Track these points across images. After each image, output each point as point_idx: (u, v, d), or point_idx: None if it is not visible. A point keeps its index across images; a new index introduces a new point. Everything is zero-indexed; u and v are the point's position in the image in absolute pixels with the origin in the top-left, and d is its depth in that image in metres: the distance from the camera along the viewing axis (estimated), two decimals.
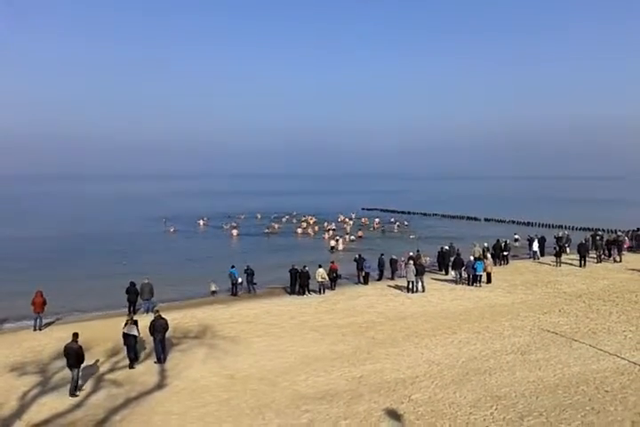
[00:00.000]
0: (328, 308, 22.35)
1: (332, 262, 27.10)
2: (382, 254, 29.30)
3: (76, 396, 13.34)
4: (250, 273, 26.21)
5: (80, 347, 13.79)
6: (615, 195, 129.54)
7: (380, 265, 28.55)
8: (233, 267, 26.30)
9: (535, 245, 34.37)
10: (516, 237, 42.76)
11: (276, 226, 57.26)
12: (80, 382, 13.77)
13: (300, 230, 53.98)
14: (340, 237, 45.84)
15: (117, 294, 23.15)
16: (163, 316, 16.43)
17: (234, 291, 25.99)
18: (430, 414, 11.73)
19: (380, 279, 28.33)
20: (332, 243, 42.42)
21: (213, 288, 26.23)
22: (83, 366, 13.97)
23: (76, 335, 14.09)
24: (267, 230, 53.80)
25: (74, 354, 13.59)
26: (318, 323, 19.95)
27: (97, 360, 15.93)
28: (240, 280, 26.23)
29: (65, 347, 13.88)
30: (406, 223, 59.02)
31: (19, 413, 12.37)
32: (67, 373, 14.75)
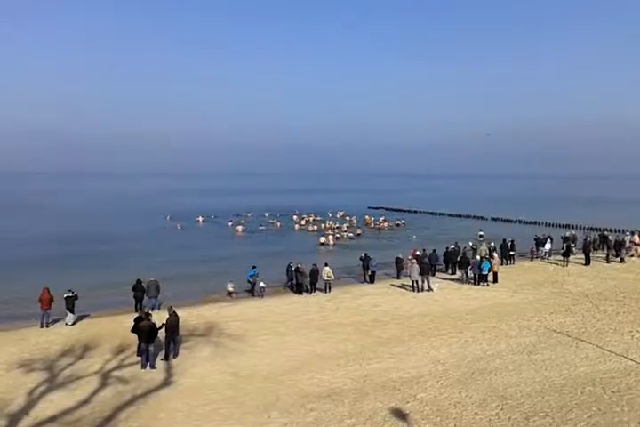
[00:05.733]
0: (333, 306, 22.36)
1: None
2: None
3: (150, 368, 15.00)
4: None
5: (154, 324, 15.56)
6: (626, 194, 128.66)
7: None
8: (254, 267, 25.68)
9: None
10: (481, 233, 42.04)
11: (279, 224, 58.59)
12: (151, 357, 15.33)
13: (297, 227, 56.31)
14: (333, 233, 47.27)
15: (124, 291, 23.27)
16: (177, 313, 16.58)
17: (252, 291, 25.24)
18: (435, 414, 11.72)
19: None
20: (322, 239, 43.56)
21: (230, 289, 24.63)
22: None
23: (148, 314, 16.12)
24: (261, 227, 54.90)
25: (148, 330, 15.22)
26: (324, 321, 19.97)
27: (104, 357, 15.99)
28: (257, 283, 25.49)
29: (139, 325, 15.44)
30: (403, 222, 59.03)
31: (26, 409, 12.46)
32: (73, 369, 14.96)
